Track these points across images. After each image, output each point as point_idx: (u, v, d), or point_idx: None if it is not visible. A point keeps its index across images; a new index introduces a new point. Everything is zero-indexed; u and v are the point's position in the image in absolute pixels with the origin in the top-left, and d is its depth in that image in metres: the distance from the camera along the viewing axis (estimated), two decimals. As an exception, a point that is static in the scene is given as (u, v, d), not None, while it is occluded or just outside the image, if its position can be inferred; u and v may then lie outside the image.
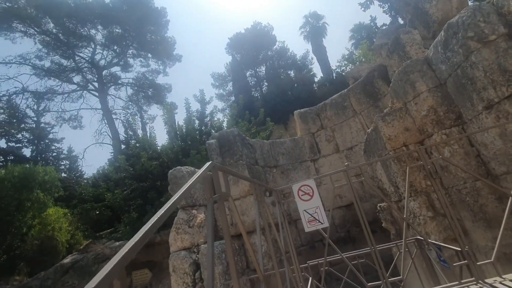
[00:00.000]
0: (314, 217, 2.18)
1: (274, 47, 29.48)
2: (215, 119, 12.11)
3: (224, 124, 11.93)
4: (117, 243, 9.40)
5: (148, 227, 0.62)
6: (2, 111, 22.13)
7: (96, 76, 25.29)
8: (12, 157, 20.92)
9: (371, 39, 28.31)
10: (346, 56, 26.52)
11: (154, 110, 55.97)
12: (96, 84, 25.39)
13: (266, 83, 29.77)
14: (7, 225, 11.31)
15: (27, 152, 22.38)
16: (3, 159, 20.35)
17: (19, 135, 22.35)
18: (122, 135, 19.24)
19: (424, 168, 3.19)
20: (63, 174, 20.86)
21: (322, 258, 3.09)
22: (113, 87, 27.09)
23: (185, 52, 74.89)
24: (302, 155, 7.30)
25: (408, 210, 3.52)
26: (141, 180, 9.92)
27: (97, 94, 25.21)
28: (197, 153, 9.28)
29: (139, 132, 13.22)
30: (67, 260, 10.27)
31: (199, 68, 72.54)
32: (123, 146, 16.33)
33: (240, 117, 13.26)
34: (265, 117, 13.66)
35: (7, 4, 21.30)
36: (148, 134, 12.40)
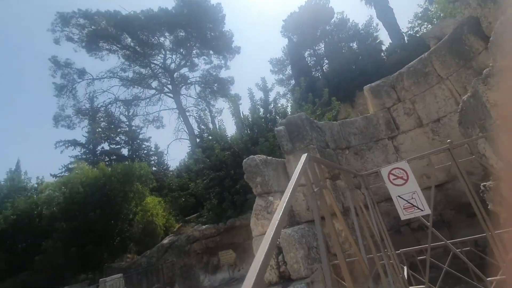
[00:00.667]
0: (411, 204, 1.98)
1: (332, 20, 27.46)
2: (279, 105, 12.13)
3: (288, 109, 11.84)
4: (203, 227, 10.50)
5: (272, 233, 0.65)
6: (102, 119, 26.77)
7: (169, 79, 28.15)
8: (114, 157, 25.29)
9: (453, -13, 23.60)
10: (420, 14, 22.84)
11: (221, 103, 59.40)
12: (170, 87, 28.31)
13: (326, 61, 28.18)
14: (117, 213, 13.80)
15: (124, 151, 26.73)
16: (108, 159, 24.75)
17: (118, 138, 26.80)
18: (196, 130, 21.07)
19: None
20: (153, 168, 24.20)
21: (419, 246, 2.82)
22: (184, 87, 29.81)
23: (242, 43, 76.30)
24: (377, 133, 6.73)
25: (526, 189, 2.90)
26: (217, 170, 10.74)
27: (171, 95, 28.16)
28: (265, 140, 9.51)
29: (210, 125, 14.23)
30: (165, 241, 12.02)
31: (257, 56, 73.16)
32: (198, 140, 17.93)
33: (303, 100, 12.95)
34: (330, 96, 13.00)
35: (92, 27, 25.24)
36: (217, 127, 13.27)
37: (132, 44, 26.15)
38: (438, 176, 5.84)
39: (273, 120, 11.57)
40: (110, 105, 27.39)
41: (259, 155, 5.12)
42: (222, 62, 29.18)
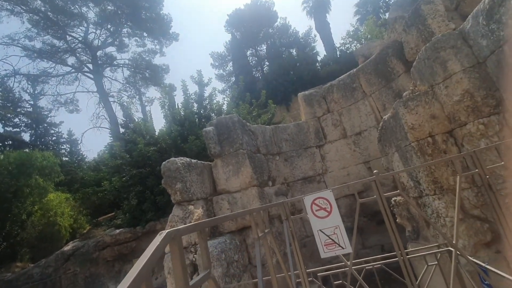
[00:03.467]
0: (333, 240, 1.77)
1: (276, 24, 28.11)
2: (215, 101, 11.54)
3: (224, 107, 11.38)
4: (117, 231, 9.23)
5: None
6: (-5, 94, 21.53)
7: (91, 57, 24.35)
8: (10, 142, 20.61)
9: (378, 14, 26.87)
10: (351, 33, 25.29)
11: (153, 92, 54.91)
12: (91, 66, 24.50)
13: (267, 63, 28.68)
14: (5, 212, 11.17)
15: (26, 136, 22.08)
16: (1, 144, 20.04)
17: (16, 119, 21.88)
18: (120, 119, 18.71)
19: (452, 163, 2.75)
20: (64, 158, 20.59)
21: (332, 268, 2.74)
22: (108, 68, 26.19)
23: (182, 30, 72.37)
24: (306, 141, 6.85)
25: (431, 209, 3.12)
26: (139, 166, 9.57)
27: (92, 76, 24.40)
28: (195, 138, 8.86)
29: (138, 115, 12.75)
30: (67, 247, 10.18)
31: (198, 48, 70.32)
32: (122, 130, 15.89)
33: (241, 99, 12.67)
34: (267, 98, 13.06)
35: (-10, -21, 20.07)
36: (147, 118, 11.92)
37: (43, 9, 21.56)
38: (355, 186, 6.22)
39: (207, 117, 10.93)
40: (6, 78, 22.20)
41: (182, 158, 4.52)
42: (157, 47, 26.70)
